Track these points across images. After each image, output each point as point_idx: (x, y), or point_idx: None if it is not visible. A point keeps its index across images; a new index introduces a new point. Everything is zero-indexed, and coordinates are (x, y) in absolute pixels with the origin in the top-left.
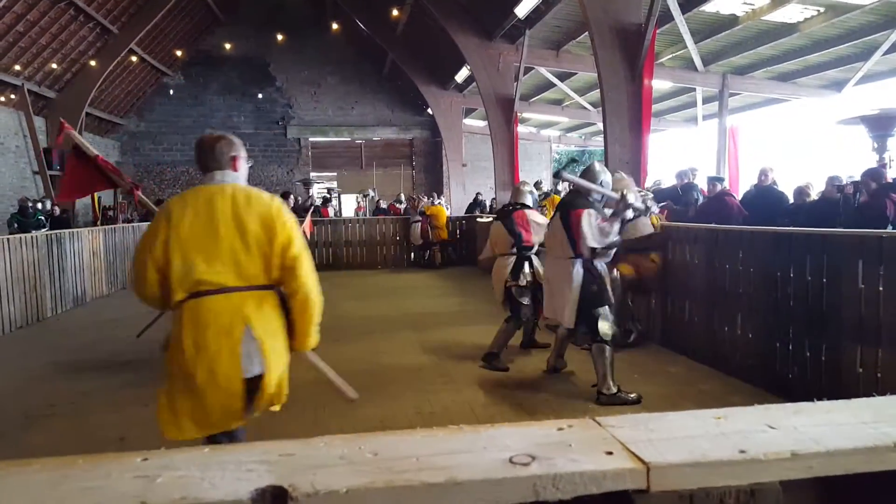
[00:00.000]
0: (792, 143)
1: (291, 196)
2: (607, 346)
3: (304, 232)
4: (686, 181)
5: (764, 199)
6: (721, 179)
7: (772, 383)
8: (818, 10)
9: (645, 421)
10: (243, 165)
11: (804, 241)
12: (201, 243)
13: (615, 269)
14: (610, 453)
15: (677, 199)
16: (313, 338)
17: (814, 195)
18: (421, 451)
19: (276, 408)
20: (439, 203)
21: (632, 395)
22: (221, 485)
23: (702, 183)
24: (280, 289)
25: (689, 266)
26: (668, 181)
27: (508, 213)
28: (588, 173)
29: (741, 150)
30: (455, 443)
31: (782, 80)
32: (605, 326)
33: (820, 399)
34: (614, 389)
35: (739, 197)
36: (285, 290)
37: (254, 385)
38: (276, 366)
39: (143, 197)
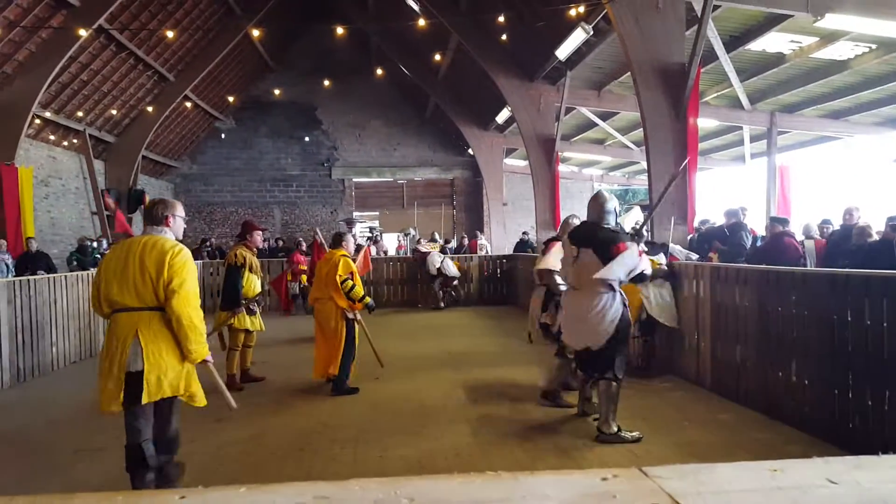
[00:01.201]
0: (847, 182)
1: (349, 235)
2: (614, 384)
3: (359, 268)
4: (734, 220)
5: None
6: (785, 221)
7: (830, 433)
8: (870, 47)
9: (695, 472)
10: (176, 221)
11: (863, 283)
12: (115, 276)
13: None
14: None
15: (724, 239)
16: (196, 351)
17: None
18: (457, 498)
19: (192, 402)
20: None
21: (632, 434)
22: None
23: (761, 222)
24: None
25: (738, 309)
26: (715, 220)
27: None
28: (600, 202)
29: (792, 189)
30: (493, 490)
31: (834, 117)
32: (621, 363)
33: (885, 452)
34: (615, 429)
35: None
36: (167, 313)
37: (139, 378)
38: (155, 364)
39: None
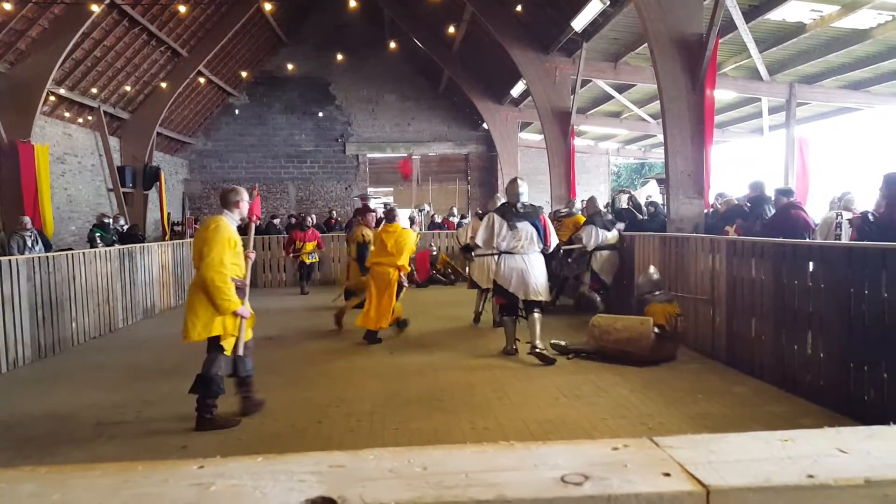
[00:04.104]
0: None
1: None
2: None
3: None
4: (757, 193)
5: None
6: (789, 192)
7: (845, 406)
8: (892, 16)
9: (706, 442)
10: (243, 205)
11: (880, 255)
12: (194, 245)
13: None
14: (668, 475)
15: (746, 215)
16: (221, 306)
17: None
18: (471, 467)
19: (195, 337)
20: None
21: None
22: (273, 494)
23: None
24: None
25: (755, 282)
26: (733, 193)
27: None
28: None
29: (811, 161)
30: (506, 459)
31: (854, 88)
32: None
33: None
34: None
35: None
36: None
37: None
38: (189, 312)
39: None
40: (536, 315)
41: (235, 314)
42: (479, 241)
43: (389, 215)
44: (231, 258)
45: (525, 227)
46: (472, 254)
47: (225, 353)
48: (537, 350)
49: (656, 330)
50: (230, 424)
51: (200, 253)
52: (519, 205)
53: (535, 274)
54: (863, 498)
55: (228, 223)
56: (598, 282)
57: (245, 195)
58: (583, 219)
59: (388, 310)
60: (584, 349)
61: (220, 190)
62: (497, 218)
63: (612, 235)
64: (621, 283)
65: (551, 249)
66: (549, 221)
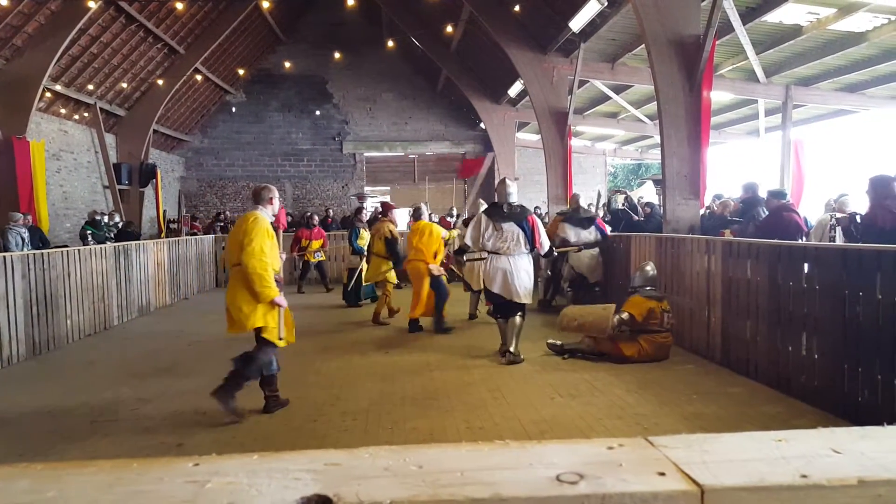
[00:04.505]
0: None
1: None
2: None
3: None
4: (750, 195)
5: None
6: (781, 194)
7: (840, 407)
8: (888, 19)
9: (700, 442)
10: (275, 202)
11: (875, 257)
12: (228, 242)
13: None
14: (662, 474)
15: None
16: (261, 294)
17: None
18: (466, 466)
19: (241, 329)
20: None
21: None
22: (268, 492)
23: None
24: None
25: (750, 283)
26: (729, 195)
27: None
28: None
29: (806, 164)
30: (501, 458)
31: (850, 90)
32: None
33: (891, 424)
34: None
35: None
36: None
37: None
38: (232, 305)
39: None
40: (517, 319)
41: (273, 303)
42: (467, 240)
43: (416, 213)
44: (269, 249)
45: (511, 228)
46: (464, 257)
47: (278, 345)
48: (509, 354)
49: (622, 317)
50: (286, 404)
51: (240, 245)
52: (506, 206)
53: (519, 276)
54: (856, 498)
55: (265, 217)
56: (575, 278)
57: (276, 192)
58: None
59: (424, 300)
60: (580, 349)
61: (253, 188)
62: (484, 218)
63: (586, 234)
64: (616, 282)
65: (544, 251)
66: (538, 223)
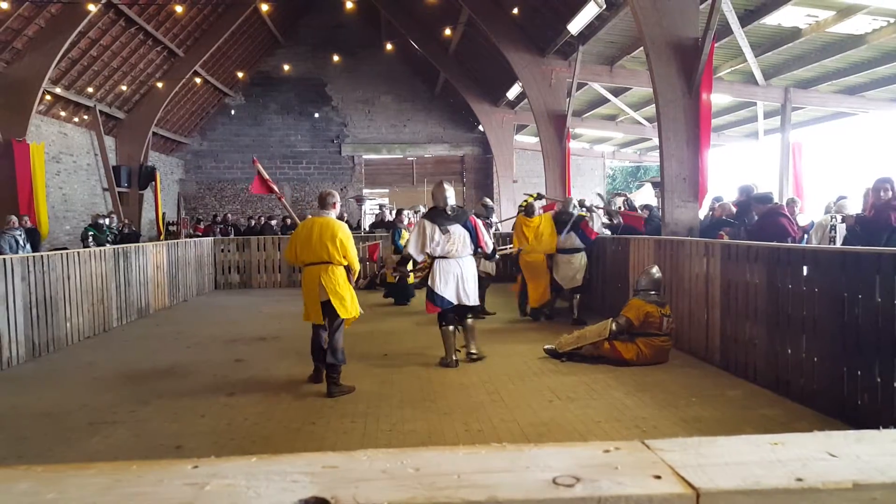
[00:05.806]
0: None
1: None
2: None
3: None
4: (745, 197)
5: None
6: (766, 198)
7: (839, 410)
8: (887, 21)
9: (696, 445)
10: (338, 206)
11: (874, 260)
12: (304, 243)
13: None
14: (658, 477)
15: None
16: (356, 274)
17: None
18: (463, 469)
19: (348, 315)
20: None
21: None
22: (266, 494)
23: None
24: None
25: (749, 286)
26: (729, 197)
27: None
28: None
29: (805, 166)
30: (498, 461)
31: (849, 93)
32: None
33: (886, 427)
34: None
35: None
36: (346, 265)
37: (329, 305)
38: (338, 295)
39: (285, 203)
40: (470, 321)
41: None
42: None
43: (528, 210)
44: None
45: (457, 230)
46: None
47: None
48: (474, 356)
49: (619, 321)
50: (351, 390)
51: (331, 244)
52: (448, 208)
53: (467, 278)
54: (851, 501)
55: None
56: (554, 284)
57: (339, 197)
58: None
59: (543, 291)
60: (579, 352)
61: (318, 194)
62: (427, 223)
63: (563, 239)
64: (614, 285)
65: (489, 251)
66: (479, 223)
